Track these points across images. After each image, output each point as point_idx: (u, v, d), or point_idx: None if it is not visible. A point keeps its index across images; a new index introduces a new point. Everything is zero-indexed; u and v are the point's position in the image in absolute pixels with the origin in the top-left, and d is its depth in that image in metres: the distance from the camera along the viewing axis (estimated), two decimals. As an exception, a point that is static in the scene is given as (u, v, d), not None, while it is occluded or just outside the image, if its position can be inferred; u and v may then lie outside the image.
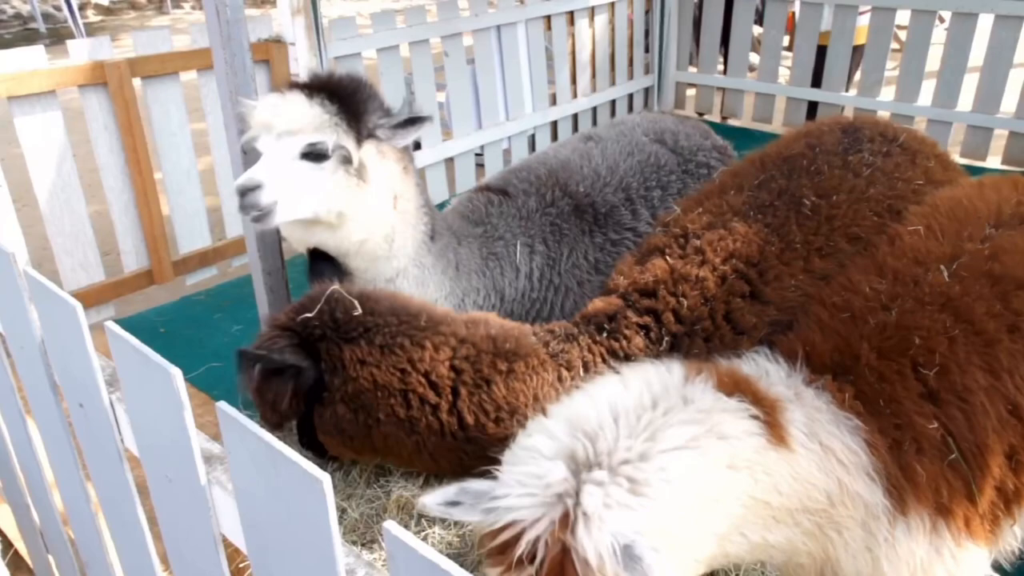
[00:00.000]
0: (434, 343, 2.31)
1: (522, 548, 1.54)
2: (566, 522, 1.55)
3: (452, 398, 2.27)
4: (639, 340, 2.39)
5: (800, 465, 1.82)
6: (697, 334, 2.38)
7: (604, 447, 1.64)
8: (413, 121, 2.77)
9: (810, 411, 1.88)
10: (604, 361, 2.38)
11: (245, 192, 2.56)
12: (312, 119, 2.59)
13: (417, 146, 6.21)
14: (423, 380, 2.26)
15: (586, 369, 2.37)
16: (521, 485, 1.61)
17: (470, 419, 2.27)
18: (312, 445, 2.44)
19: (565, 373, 2.36)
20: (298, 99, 2.60)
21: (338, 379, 2.26)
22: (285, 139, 2.60)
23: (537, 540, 1.55)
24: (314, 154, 2.61)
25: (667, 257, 2.50)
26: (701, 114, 8.06)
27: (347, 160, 2.64)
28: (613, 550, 1.51)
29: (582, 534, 1.54)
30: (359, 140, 2.67)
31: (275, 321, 2.38)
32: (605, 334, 2.42)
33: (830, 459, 1.84)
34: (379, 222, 2.79)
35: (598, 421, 1.68)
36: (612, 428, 1.67)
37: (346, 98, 2.66)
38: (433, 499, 1.68)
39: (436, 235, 2.96)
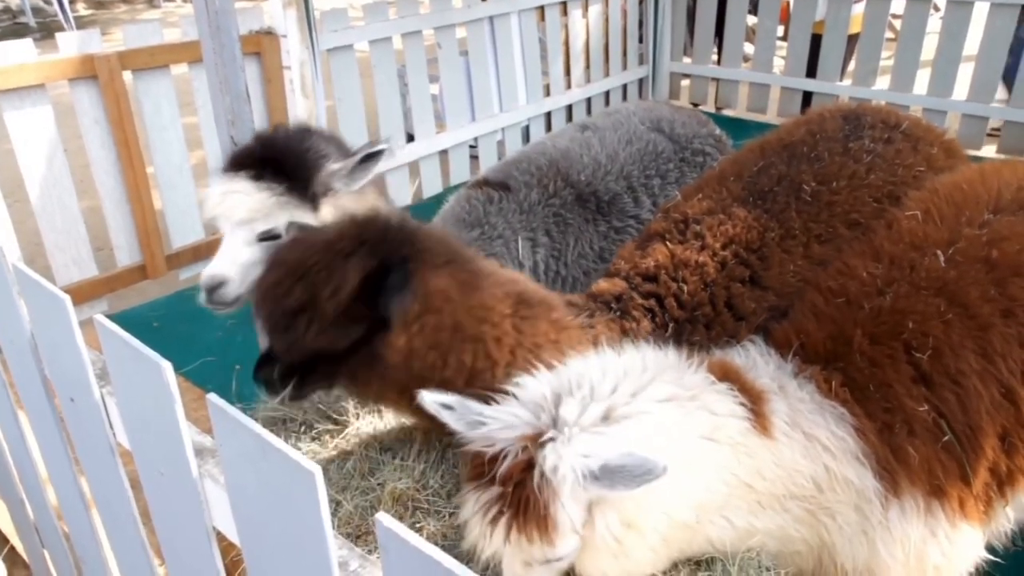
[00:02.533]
0: (498, 296, 2.13)
1: (489, 460, 1.61)
2: (535, 437, 1.62)
3: (510, 357, 2.11)
4: (647, 323, 2.37)
5: (783, 453, 1.86)
6: (699, 320, 2.37)
7: (587, 386, 1.73)
8: (368, 158, 2.62)
9: (793, 402, 1.92)
10: (619, 340, 2.31)
11: (212, 289, 2.50)
12: (260, 206, 2.48)
13: (410, 138, 6.19)
14: (494, 334, 2.09)
15: (608, 346, 2.32)
16: (503, 409, 1.70)
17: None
18: (300, 375, 2.09)
19: (592, 348, 2.30)
20: (245, 186, 2.48)
21: (420, 306, 1.98)
22: (240, 227, 2.53)
23: (505, 453, 1.60)
24: (271, 236, 2.54)
25: (667, 243, 2.50)
26: (696, 104, 8.04)
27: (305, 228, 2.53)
28: (584, 471, 1.57)
29: (549, 450, 1.60)
30: (315, 206, 2.55)
31: (346, 235, 2.03)
32: (617, 313, 2.40)
33: (814, 446, 1.88)
34: None
35: (587, 372, 1.78)
36: (599, 377, 1.76)
37: (293, 168, 2.53)
38: (432, 397, 1.75)
39: None
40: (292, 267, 1.99)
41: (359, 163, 2.61)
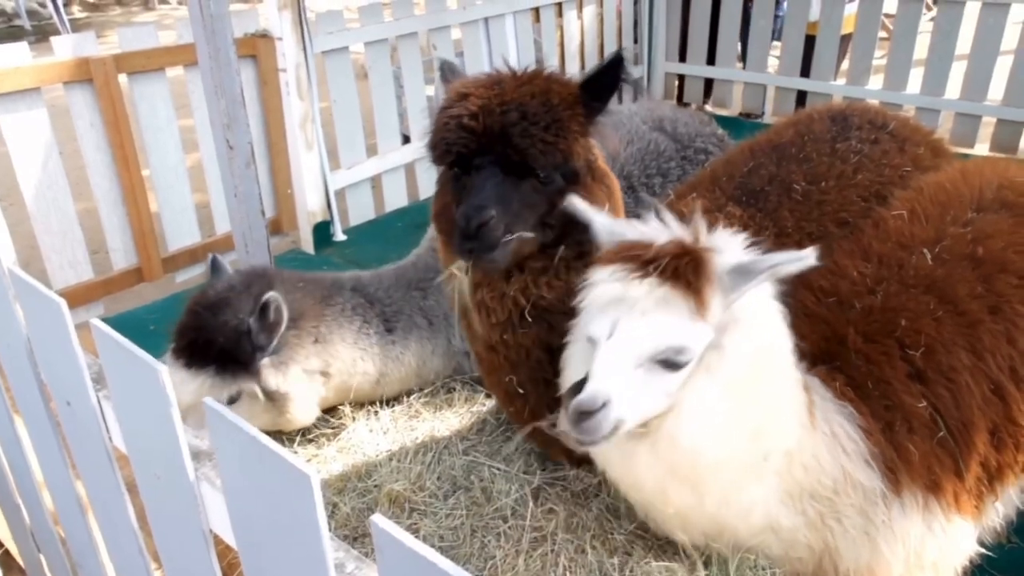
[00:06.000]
0: None
1: (651, 250, 1.71)
2: (691, 237, 1.76)
3: None
4: None
5: (818, 446, 1.89)
6: None
7: None
8: (268, 315, 2.63)
9: (819, 400, 1.94)
10: None
11: None
12: (198, 391, 2.54)
13: (406, 140, 6.19)
14: None
15: None
16: (654, 223, 1.86)
17: None
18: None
19: None
20: (181, 376, 2.54)
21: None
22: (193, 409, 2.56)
23: (667, 243, 1.73)
24: (231, 400, 2.63)
25: None
26: (688, 105, 8.06)
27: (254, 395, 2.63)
28: (741, 260, 1.71)
29: (707, 240, 1.74)
30: (250, 375, 2.61)
31: None
32: None
33: (837, 445, 1.90)
34: (316, 407, 2.83)
35: None
36: None
37: (217, 347, 2.57)
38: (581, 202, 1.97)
39: (391, 326, 2.96)
40: (534, 74, 2.19)
41: (270, 322, 2.62)
